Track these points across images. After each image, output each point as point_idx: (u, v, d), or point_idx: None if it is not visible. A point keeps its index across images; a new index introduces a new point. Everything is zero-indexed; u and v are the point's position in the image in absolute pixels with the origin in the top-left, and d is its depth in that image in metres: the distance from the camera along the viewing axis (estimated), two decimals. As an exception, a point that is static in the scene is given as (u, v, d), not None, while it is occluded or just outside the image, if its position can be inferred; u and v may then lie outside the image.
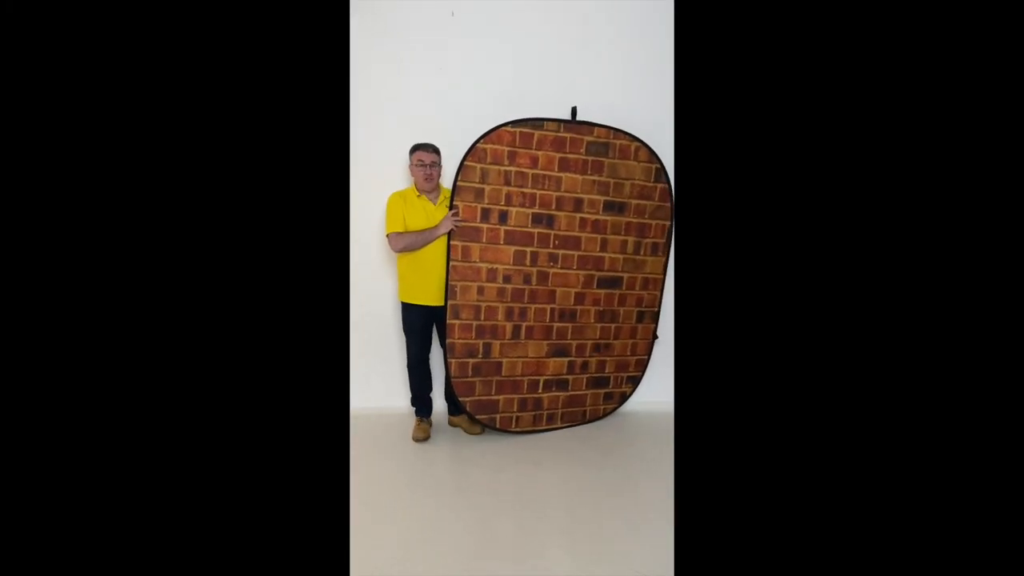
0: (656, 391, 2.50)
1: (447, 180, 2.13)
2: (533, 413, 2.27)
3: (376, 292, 2.39)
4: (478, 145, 2.01)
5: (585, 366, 2.32)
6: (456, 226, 2.01)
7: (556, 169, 2.12)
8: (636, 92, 2.34)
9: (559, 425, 2.32)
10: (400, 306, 2.14)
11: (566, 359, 2.28)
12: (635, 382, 2.44)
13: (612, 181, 2.19)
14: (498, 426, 2.21)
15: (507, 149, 2.06)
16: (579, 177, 2.15)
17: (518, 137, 2.05)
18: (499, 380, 2.20)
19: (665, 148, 2.23)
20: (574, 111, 2.13)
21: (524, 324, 2.19)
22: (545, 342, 2.24)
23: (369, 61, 2.19)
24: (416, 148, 2.02)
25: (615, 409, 2.44)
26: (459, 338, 2.10)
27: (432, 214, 2.03)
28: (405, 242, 2.00)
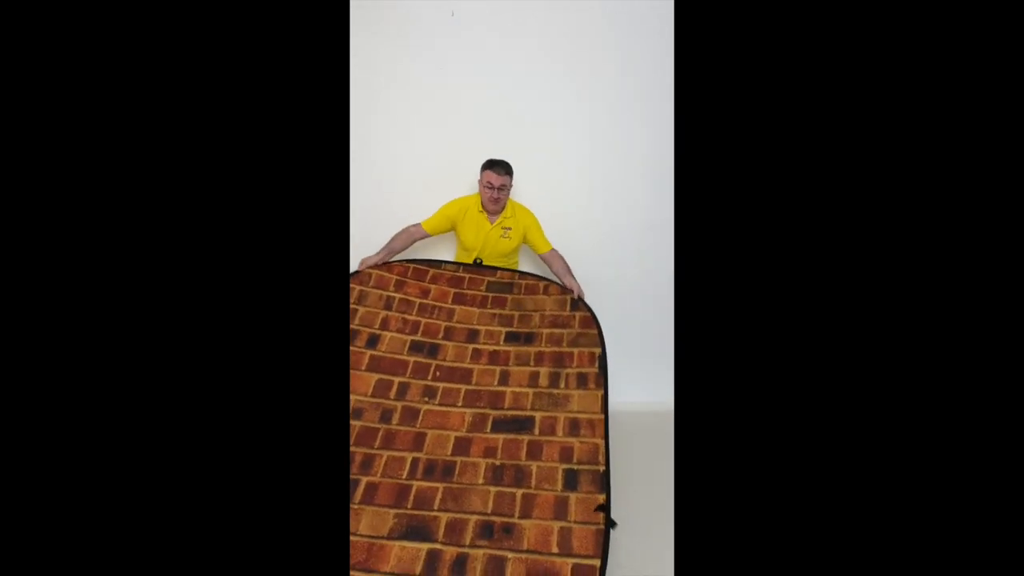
0: (655, 391, 2.48)
1: (456, 188, 2.10)
2: None
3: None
4: (362, 270, 1.84)
5: (459, 566, 1.15)
6: (360, 267, 1.84)
7: (450, 302, 1.82)
8: (634, 91, 2.34)
9: None
10: None
11: (424, 546, 1.18)
12: None
13: (517, 314, 1.80)
14: None
15: (396, 278, 1.83)
16: (476, 310, 1.80)
17: (411, 271, 1.89)
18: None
19: (662, 149, 2.23)
20: (478, 262, 2.02)
21: (365, 479, 1.30)
22: (392, 511, 1.24)
23: (368, 61, 2.19)
24: (486, 166, 1.96)
25: None
26: None
27: (485, 234, 2.02)
28: (394, 243, 1.97)
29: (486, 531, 1.23)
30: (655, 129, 2.23)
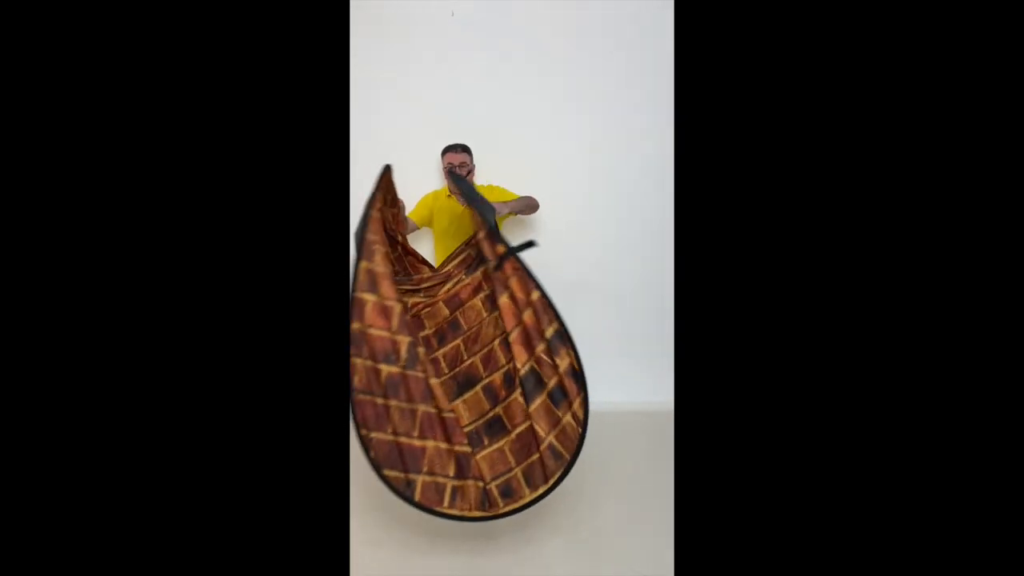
0: (655, 391, 2.48)
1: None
2: (476, 483, 1.26)
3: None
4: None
5: (509, 381, 1.36)
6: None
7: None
8: (635, 92, 2.34)
9: (528, 497, 1.27)
10: None
11: (478, 387, 1.37)
12: (566, 337, 1.30)
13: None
14: (417, 498, 1.24)
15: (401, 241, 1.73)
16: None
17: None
18: (425, 412, 1.27)
19: (662, 146, 2.24)
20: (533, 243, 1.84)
21: (411, 373, 1.34)
22: (438, 379, 1.36)
23: (368, 61, 2.19)
24: (444, 151, 2.06)
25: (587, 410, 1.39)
26: (371, 324, 1.27)
27: (458, 216, 2.07)
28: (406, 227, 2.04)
29: (505, 343, 1.38)
30: (656, 130, 2.24)
